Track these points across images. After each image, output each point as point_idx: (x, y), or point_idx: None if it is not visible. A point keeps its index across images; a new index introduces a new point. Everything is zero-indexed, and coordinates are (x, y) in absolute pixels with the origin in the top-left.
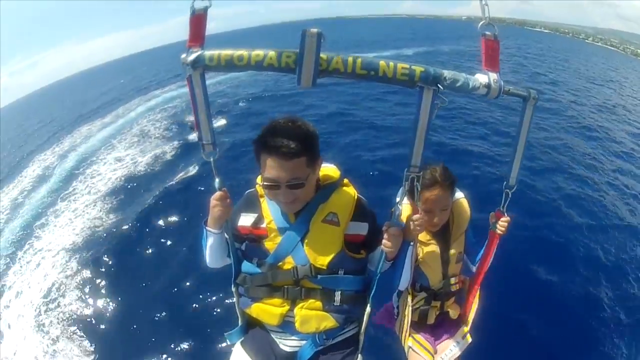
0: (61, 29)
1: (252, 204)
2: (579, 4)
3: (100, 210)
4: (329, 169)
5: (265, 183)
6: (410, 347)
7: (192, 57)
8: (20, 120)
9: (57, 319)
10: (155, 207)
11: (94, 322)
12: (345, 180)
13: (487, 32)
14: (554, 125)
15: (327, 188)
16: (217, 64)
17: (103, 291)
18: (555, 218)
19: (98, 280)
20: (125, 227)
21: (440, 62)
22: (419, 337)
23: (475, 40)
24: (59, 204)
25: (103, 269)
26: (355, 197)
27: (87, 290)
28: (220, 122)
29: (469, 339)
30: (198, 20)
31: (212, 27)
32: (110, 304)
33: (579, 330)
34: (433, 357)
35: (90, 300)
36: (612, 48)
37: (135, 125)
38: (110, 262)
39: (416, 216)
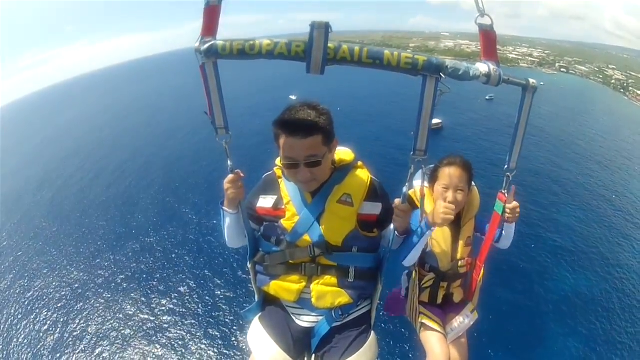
0: (78, 24)
1: (271, 186)
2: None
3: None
4: (343, 152)
5: (285, 162)
6: (422, 323)
7: (205, 46)
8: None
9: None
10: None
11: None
12: (360, 163)
13: (484, 24)
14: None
15: (342, 170)
16: (229, 53)
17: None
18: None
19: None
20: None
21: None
22: (429, 312)
23: None
24: None
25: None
26: (369, 179)
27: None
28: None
29: (476, 315)
30: (212, 11)
31: (226, 35)
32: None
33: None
34: (444, 329)
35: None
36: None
37: None
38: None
39: (444, 205)
